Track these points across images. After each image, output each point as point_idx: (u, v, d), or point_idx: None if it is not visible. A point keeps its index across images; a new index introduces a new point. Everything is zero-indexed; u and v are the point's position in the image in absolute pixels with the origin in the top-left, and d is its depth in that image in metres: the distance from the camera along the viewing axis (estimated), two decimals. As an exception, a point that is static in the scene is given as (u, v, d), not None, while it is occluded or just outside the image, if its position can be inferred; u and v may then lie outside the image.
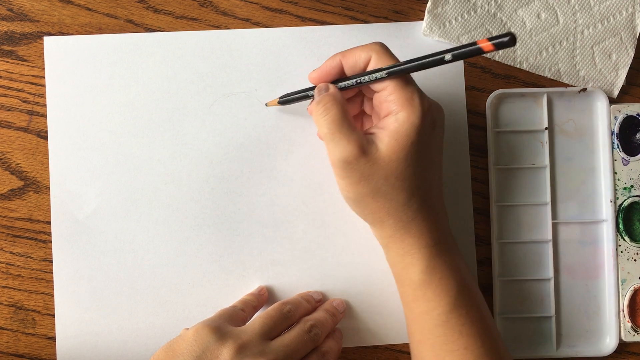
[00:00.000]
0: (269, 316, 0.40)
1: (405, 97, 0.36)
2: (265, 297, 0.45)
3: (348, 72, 0.39)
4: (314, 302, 0.44)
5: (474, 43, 0.33)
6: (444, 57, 0.34)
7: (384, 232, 0.40)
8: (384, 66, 0.37)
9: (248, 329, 0.38)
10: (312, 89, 0.41)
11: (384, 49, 0.38)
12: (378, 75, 0.37)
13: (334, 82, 0.39)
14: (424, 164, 0.38)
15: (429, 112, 0.37)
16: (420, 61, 0.35)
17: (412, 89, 0.37)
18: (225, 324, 0.39)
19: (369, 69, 0.38)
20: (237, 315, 0.41)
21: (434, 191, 0.39)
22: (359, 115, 0.43)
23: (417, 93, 0.37)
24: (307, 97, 0.42)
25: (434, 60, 0.35)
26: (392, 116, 0.37)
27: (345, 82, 0.39)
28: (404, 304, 0.41)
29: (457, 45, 0.46)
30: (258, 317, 0.40)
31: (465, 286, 0.39)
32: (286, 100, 0.43)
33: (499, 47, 0.32)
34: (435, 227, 0.39)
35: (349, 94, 0.41)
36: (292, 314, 0.41)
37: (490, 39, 0.32)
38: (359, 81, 0.38)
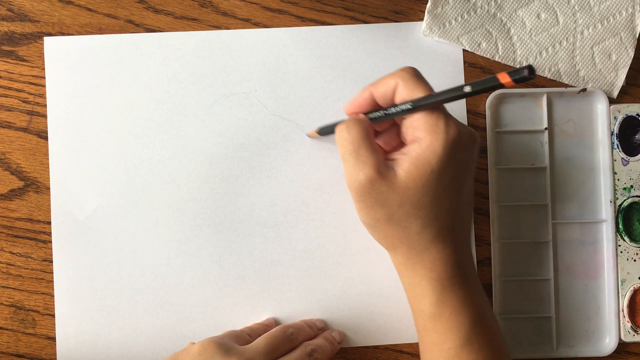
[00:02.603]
0: (273, 337, 0.40)
1: (430, 123, 0.35)
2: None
3: (380, 102, 0.38)
4: (316, 329, 0.44)
5: (494, 78, 0.32)
6: (463, 89, 0.34)
7: (396, 258, 0.39)
8: (411, 93, 0.36)
9: (252, 348, 0.39)
10: None
11: (411, 74, 0.36)
12: (404, 107, 0.36)
13: (366, 113, 0.39)
14: (446, 193, 0.36)
15: (457, 139, 0.35)
16: (444, 96, 0.34)
17: (438, 114, 0.35)
18: (231, 342, 0.39)
19: (396, 97, 0.37)
20: (244, 338, 0.41)
21: (458, 220, 0.37)
22: (398, 146, 0.40)
23: (444, 119, 0.35)
24: None
25: (456, 95, 0.34)
26: (416, 142, 0.36)
27: (375, 114, 0.38)
28: (417, 330, 0.40)
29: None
30: (262, 337, 0.40)
31: (479, 321, 0.38)
32: (325, 131, 0.43)
33: (518, 81, 0.31)
34: (451, 259, 0.37)
35: (384, 125, 0.40)
36: (294, 336, 0.41)
37: (509, 73, 0.31)
38: (387, 113, 0.37)
